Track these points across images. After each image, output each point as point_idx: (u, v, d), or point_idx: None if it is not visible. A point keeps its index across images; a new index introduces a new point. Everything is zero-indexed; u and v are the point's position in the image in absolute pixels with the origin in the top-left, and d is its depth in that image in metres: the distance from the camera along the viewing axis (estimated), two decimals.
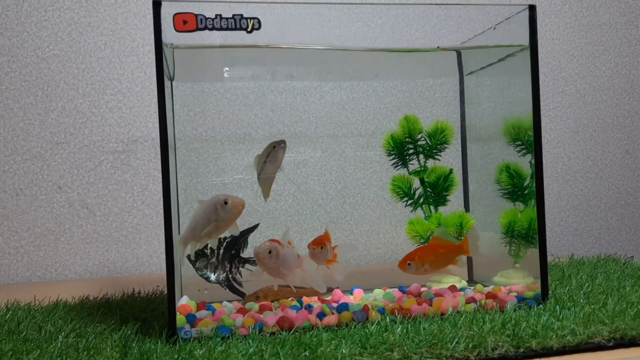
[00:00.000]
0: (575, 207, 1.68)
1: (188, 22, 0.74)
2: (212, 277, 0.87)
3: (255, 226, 0.89)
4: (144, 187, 1.39)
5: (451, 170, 0.96)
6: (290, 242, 0.81)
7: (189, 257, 0.86)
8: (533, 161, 0.82)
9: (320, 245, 0.81)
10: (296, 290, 0.84)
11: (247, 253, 0.89)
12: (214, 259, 0.88)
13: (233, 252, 0.88)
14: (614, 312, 0.74)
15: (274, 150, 0.83)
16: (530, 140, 0.82)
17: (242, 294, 0.88)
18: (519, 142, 0.88)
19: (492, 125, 0.96)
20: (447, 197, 0.96)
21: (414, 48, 0.91)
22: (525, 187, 0.89)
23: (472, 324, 0.69)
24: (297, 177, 0.96)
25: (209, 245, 0.87)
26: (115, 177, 1.37)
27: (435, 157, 0.96)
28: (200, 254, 0.87)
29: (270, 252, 0.78)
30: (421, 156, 0.96)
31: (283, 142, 0.84)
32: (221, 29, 0.75)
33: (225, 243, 0.88)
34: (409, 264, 0.83)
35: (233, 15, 0.75)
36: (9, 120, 1.33)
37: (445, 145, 0.96)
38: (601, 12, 1.70)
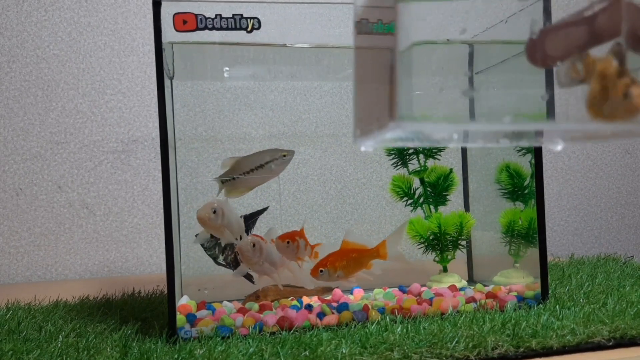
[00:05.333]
0: (575, 207, 1.68)
1: (188, 22, 0.74)
2: (220, 257, 0.87)
3: (265, 209, 0.89)
4: (144, 187, 1.39)
5: (451, 170, 0.96)
6: (273, 241, 0.80)
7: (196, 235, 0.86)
8: (533, 161, 0.82)
9: (286, 240, 0.79)
10: (291, 289, 0.84)
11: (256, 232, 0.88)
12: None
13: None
14: (614, 311, 0.74)
15: (285, 158, 0.84)
16: None
17: (249, 277, 0.88)
18: None
19: None
20: (447, 197, 0.96)
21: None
22: (525, 187, 0.89)
23: (472, 324, 0.69)
24: (298, 177, 0.96)
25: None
26: (115, 177, 1.37)
27: (435, 156, 0.96)
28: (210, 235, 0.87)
29: (254, 245, 0.77)
30: (421, 156, 0.96)
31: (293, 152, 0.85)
32: (221, 28, 0.75)
33: None
34: (322, 271, 0.78)
35: (233, 15, 0.75)
36: (9, 120, 1.33)
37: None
38: None
